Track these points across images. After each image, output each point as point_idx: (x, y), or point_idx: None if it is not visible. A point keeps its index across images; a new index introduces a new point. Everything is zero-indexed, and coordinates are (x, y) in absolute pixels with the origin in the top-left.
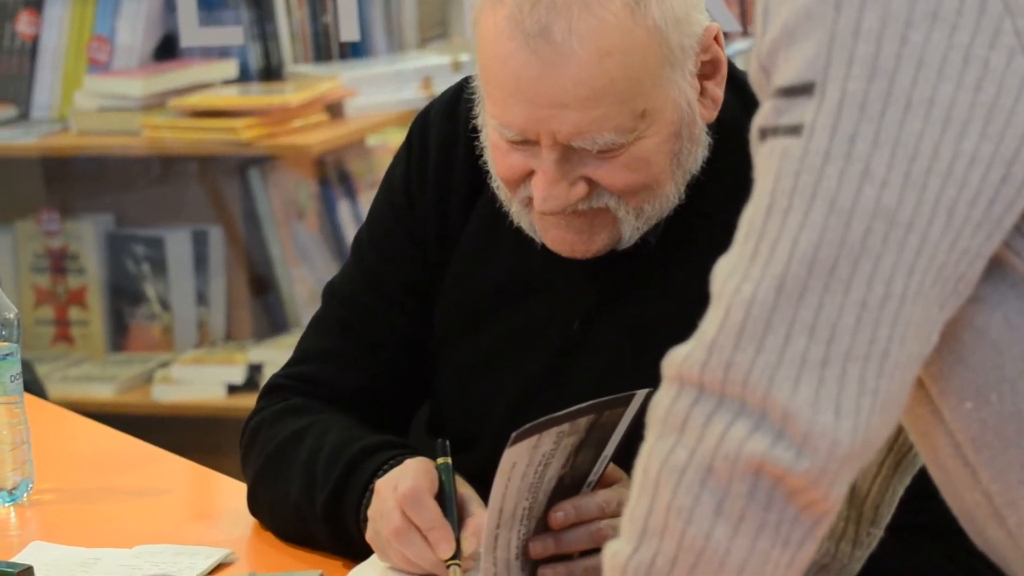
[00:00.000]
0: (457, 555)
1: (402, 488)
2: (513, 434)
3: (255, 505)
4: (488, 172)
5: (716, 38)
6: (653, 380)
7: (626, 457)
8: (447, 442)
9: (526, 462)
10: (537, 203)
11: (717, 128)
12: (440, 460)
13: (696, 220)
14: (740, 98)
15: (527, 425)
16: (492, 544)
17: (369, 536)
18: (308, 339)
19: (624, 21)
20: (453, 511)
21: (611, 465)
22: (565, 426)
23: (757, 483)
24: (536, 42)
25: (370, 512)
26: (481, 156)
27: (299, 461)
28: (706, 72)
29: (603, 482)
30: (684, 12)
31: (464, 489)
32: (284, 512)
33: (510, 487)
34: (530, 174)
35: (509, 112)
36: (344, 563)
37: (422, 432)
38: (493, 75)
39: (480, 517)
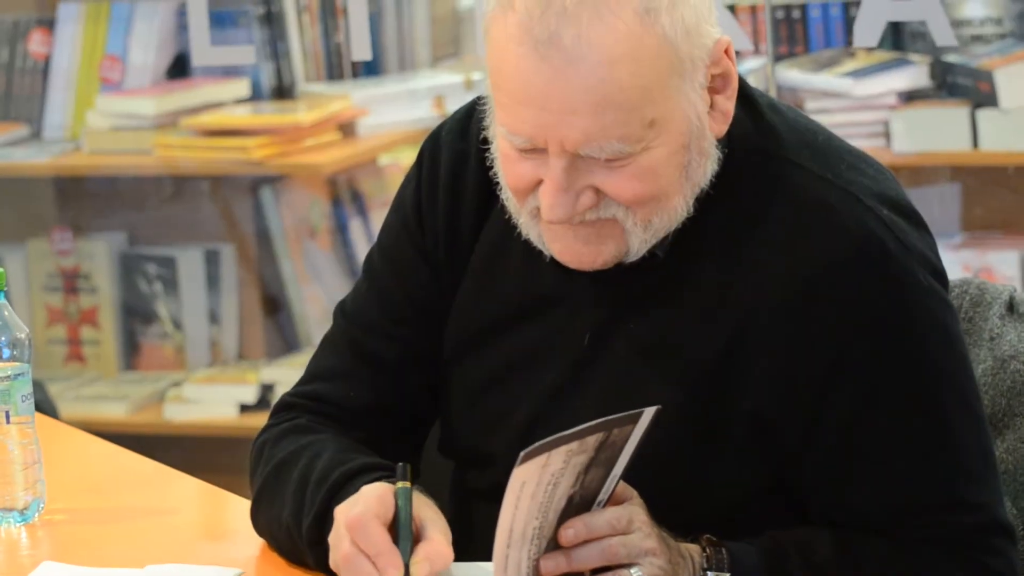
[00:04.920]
0: None
1: (351, 514)
2: (522, 453)
3: (257, 524)
4: (499, 189)
5: (727, 52)
6: (665, 394)
7: (635, 475)
8: (407, 466)
9: (535, 481)
10: (544, 211)
11: (727, 143)
12: (399, 484)
13: (705, 234)
14: (750, 114)
15: (536, 444)
16: (503, 564)
17: (331, 562)
18: (319, 358)
19: (634, 29)
20: (408, 536)
21: (621, 483)
22: (574, 444)
23: None
24: (546, 48)
25: (329, 538)
26: (493, 176)
27: (291, 483)
28: (716, 85)
29: (613, 501)
30: (694, 23)
31: (426, 512)
32: (279, 534)
33: (519, 506)
34: (538, 184)
35: (518, 119)
36: None
37: (435, 450)
38: (503, 81)
39: (436, 542)
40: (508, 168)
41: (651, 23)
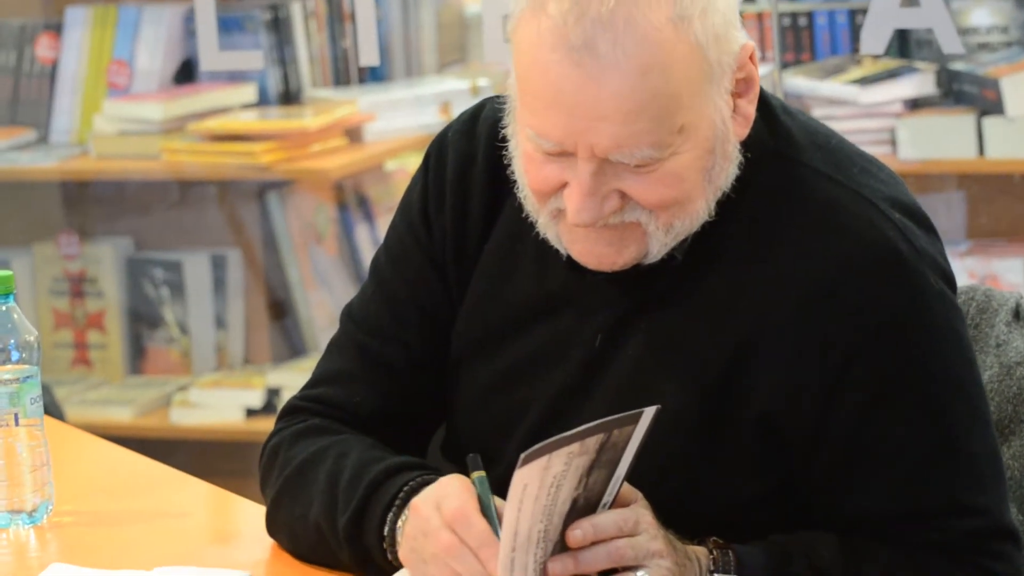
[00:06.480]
0: None
1: (449, 508)
2: (522, 455)
3: (274, 526)
4: (508, 192)
5: (751, 56)
6: (676, 396)
7: (643, 477)
8: (479, 456)
9: (537, 484)
10: (570, 215)
11: (746, 146)
12: (476, 474)
13: (721, 237)
14: (764, 117)
15: (536, 446)
16: (508, 567)
17: (404, 554)
18: (325, 362)
19: (667, 36)
20: (496, 524)
21: (626, 485)
22: (575, 446)
23: None
24: (580, 54)
25: (408, 530)
26: (499, 176)
27: (319, 482)
28: (740, 90)
29: (618, 503)
30: (724, 29)
31: (498, 500)
32: (304, 533)
33: (523, 509)
34: (562, 186)
35: (547, 123)
36: None
37: (438, 454)
38: (532, 85)
39: None
40: (532, 170)
41: (684, 30)
